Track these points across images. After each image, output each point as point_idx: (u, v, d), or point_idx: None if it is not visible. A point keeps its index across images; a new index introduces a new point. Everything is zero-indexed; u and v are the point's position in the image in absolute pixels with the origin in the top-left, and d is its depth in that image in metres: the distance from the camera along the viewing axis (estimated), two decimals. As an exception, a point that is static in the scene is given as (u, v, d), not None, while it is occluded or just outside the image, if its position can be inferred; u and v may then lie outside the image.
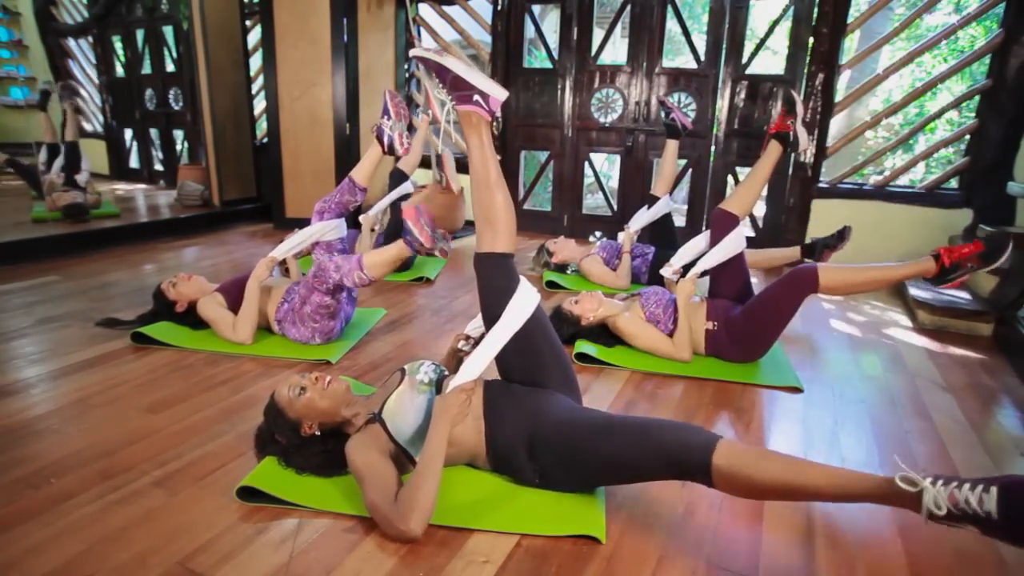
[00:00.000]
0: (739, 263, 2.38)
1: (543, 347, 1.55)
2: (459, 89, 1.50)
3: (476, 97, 1.49)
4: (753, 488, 1.19)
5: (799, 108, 2.40)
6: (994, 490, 1.01)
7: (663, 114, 3.28)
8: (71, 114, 4.65)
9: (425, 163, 4.74)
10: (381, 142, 2.37)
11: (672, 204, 3.33)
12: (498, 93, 1.50)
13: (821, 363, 2.43)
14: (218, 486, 1.47)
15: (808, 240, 3.41)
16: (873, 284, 2.20)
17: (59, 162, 4.42)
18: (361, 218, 3.49)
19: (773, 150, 2.44)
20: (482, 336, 1.74)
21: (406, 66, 5.05)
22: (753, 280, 2.60)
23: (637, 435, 1.29)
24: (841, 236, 3.01)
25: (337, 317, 2.36)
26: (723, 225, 2.38)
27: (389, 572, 1.21)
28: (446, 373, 1.61)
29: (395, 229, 3.53)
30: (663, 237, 3.35)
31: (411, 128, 5.14)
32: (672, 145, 3.26)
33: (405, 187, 3.53)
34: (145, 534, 1.30)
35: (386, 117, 2.38)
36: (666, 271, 2.56)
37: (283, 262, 2.77)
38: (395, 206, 3.56)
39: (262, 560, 1.24)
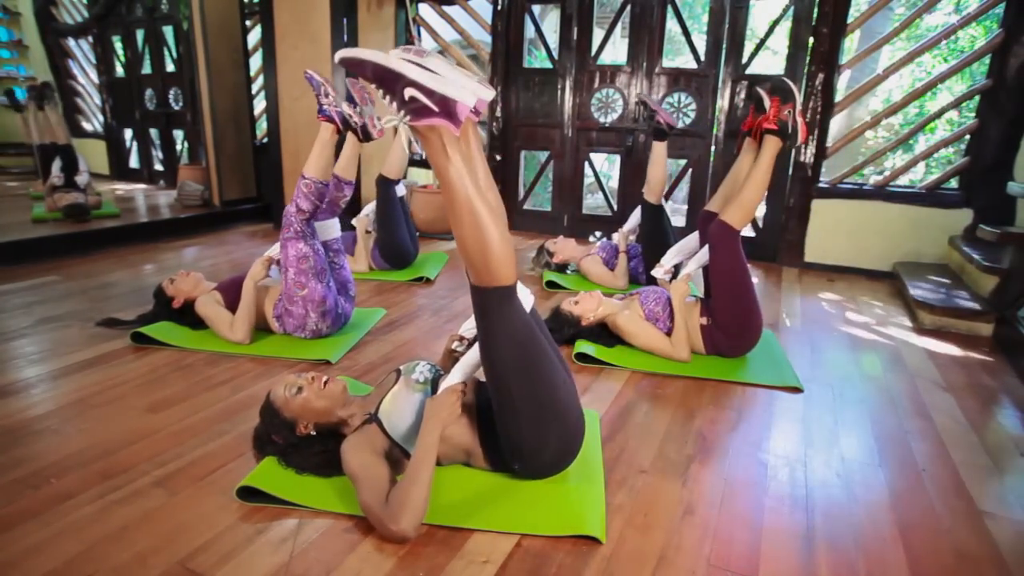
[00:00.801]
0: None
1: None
2: (411, 101, 1.13)
3: (431, 104, 1.12)
4: (481, 254, 1.22)
5: (798, 95, 2.23)
6: None
7: (645, 116, 3.09)
8: (54, 115, 4.62)
9: (425, 163, 4.75)
10: (354, 130, 2.36)
11: (675, 205, 3.32)
12: (467, 98, 1.12)
13: (821, 363, 2.43)
14: (218, 486, 1.47)
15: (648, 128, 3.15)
16: (759, 190, 2.19)
17: (57, 163, 4.43)
18: (354, 221, 3.48)
19: (769, 147, 2.19)
20: (476, 337, 1.74)
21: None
22: (753, 279, 2.59)
23: (499, 346, 1.30)
24: (644, 104, 2.97)
25: (323, 278, 2.31)
26: (722, 238, 2.21)
27: (389, 572, 1.21)
28: (441, 373, 1.61)
29: (386, 230, 3.50)
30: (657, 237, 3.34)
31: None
32: (659, 148, 3.05)
33: (397, 191, 3.51)
34: (145, 534, 1.30)
35: (352, 104, 2.37)
36: (657, 271, 2.56)
37: (279, 262, 2.77)
38: (377, 205, 3.50)
39: (262, 560, 1.24)
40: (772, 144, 2.20)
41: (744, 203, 2.19)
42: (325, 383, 1.49)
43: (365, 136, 2.37)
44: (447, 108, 1.13)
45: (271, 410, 1.49)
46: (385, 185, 3.37)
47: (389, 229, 3.41)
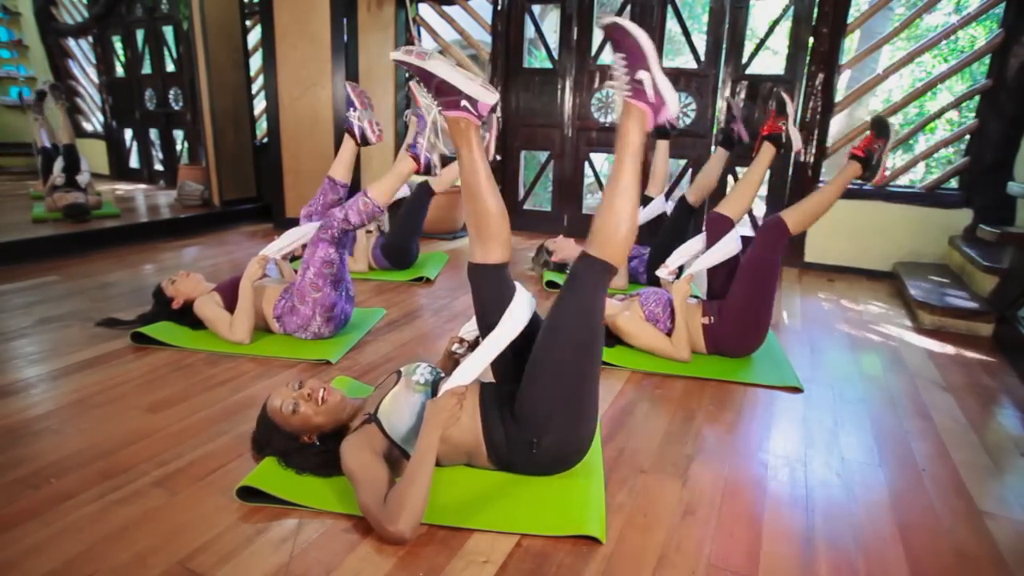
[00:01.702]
0: (736, 264, 2.38)
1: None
2: (445, 94, 1.41)
3: (463, 102, 1.41)
4: (625, 234, 1.43)
5: (790, 109, 2.42)
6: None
7: (725, 119, 3.28)
8: (62, 115, 4.63)
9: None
10: (352, 134, 2.38)
11: (665, 204, 3.33)
12: (487, 97, 1.41)
13: (821, 363, 2.43)
14: (218, 486, 1.47)
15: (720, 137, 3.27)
16: (823, 204, 2.30)
17: (59, 163, 4.43)
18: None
19: (766, 152, 2.46)
20: (477, 339, 1.74)
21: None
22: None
23: (570, 318, 1.39)
24: (730, 110, 3.08)
25: (339, 287, 2.33)
26: (717, 228, 2.39)
27: (389, 572, 1.21)
28: (442, 375, 1.61)
29: (403, 230, 3.53)
30: (659, 237, 3.34)
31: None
32: (662, 145, 3.29)
33: (401, 190, 3.52)
34: (145, 534, 1.30)
35: (352, 108, 2.38)
36: (662, 272, 2.56)
37: (277, 263, 2.78)
38: (393, 210, 3.54)
39: (262, 560, 1.24)
40: (767, 150, 2.46)
41: (738, 197, 2.44)
42: (322, 399, 1.47)
43: (363, 140, 2.38)
44: (472, 103, 1.40)
45: (271, 426, 1.49)
46: (422, 191, 3.48)
47: (407, 231, 3.47)
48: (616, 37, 1.45)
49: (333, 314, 2.35)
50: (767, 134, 2.46)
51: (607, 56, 4.56)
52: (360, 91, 2.41)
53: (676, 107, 1.40)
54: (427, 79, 1.43)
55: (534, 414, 1.42)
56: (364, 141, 2.39)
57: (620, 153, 1.42)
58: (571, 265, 1.48)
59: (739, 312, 2.28)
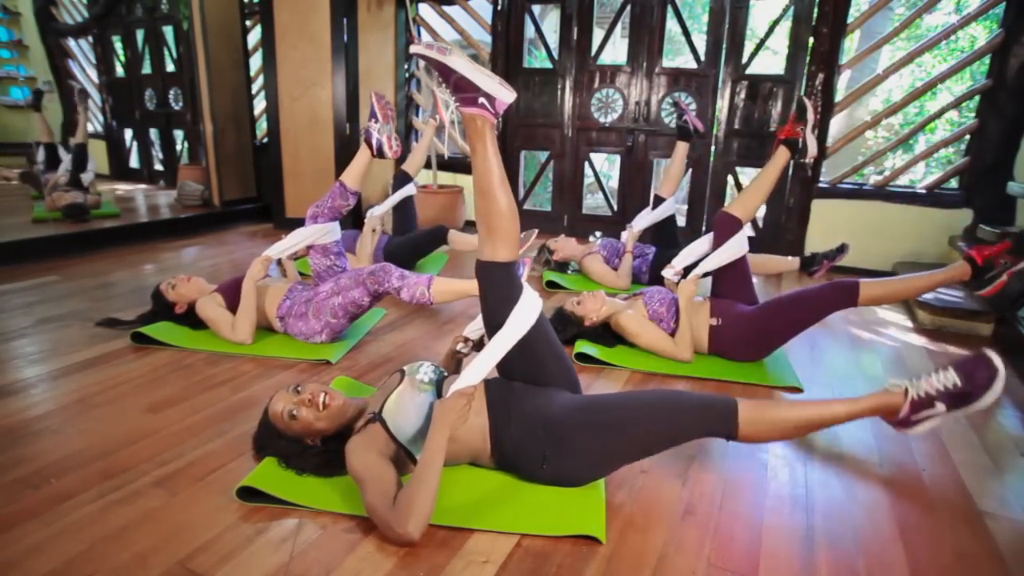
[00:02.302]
0: (742, 266, 2.38)
1: (545, 350, 1.55)
2: (463, 91, 1.39)
3: (481, 99, 1.38)
4: (773, 434, 1.44)
5: (810, 116, 2.38)
6: (951, 368, 1.47)
7: (676, 115, 3.29)
8: (83, 116, 4.69)
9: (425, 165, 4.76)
10: (370, 145, 2.38)
11: (676, 205, 3.33)
12: (505, 95, 1.39)
13: (821, 363, 2.43)
14: (218, 486, 1.47)
15: (808, 253, 3.41)
16: (912, 292, 2.24)
17: (66, 163, 4.44)
18: (365, 219, 3.49)
19: (781, 155, 2.42)
20: (481, 339, 1.74)
21: (406, 66, 5.05)
22: (754, 280, 2.59)
23: (664, 413, 1.42)
24: (840, 251, 3.07)
25: (353, 322, 2.41)
26: (726, 228, 2.38)
27: (389, 572, 1.21)
28: (446, 374, 1.61)
29: (402, 230, 3.54)
30: (665, 238, 3.34)
31: (414, 130, 5.14)
32: (682, 147, 3.26)
33: (408, 189, 3.52)
34: (145, 534, 1.30)
35: (373, 120, 2.38)
36: (668, 272, 2.56)
37: (279, 262, 2.77)
38: (399, 208, 3.56)
39: (262, 560, 1.24)
40: (783, 153, 2.43)
41: (748, 198, 2.42)
42: (323, 405, 1.47)
43: (379, 153, 2.39)
44: (490, 101, 1.39)
45: (274, 431, 1.49)
46: (405, 179, 3.51)
47: (407, 228, 3.53)
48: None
49: (338, 336, 2.40)
50: (784, 138, 2.42)
51: (607, 56, 4.56)
52: (385, 103, 2.40)
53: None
54: (446, 74, 1.41)
55: (569, 443, 1.42)
56: (380, 154, 2.38)
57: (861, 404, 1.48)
58: (716, 397, 1.46)
59: (757, 334, 2.26)
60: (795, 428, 1.45)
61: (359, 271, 2.33)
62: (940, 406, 1.39)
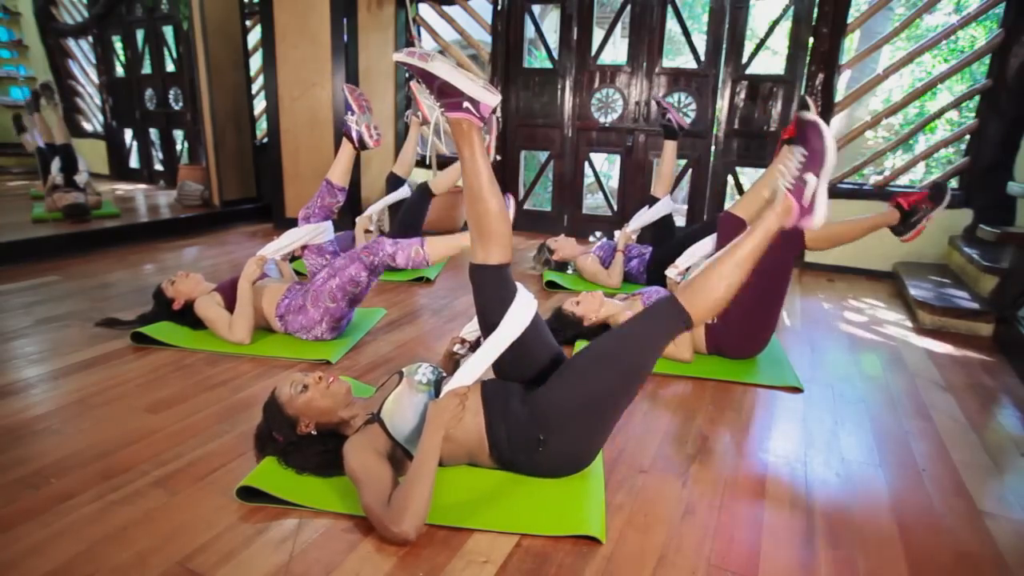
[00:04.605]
0: None
1: (540, 351, 1.55)
2: (447, 96, 1.40)
3: (466, 104, 1.39)
4: (719, 290, 1.44)
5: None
6: (789, 149, 1.56)
7: (659, 114, 3.29)
8: (55, 114, 4.62)
9: (422, 163, 4.76)
10: (351, 138, 2.39)
11: (673, 205, 3.33)
12: (489, 99, 1.40)
13: (821, 363, 2.43)
14: (218, 486, 1.47)
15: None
16: (849, 235, 2.40)
17: (57, 163, 4.42)
18: (357, 219, 3.49)
19: (785, 156, 2.43)
20: (477, 340, 1.74)
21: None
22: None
23: (626, 340, 1.46)
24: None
25: (353, 306, 2.40)
26: (729, 228, 2.36)
27: (389, 572, 1.21)
28: (444, 375, 1.61)
29: (404, 231, 3.54)
30: (663, 238, 3.34)
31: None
32: (670, 146, 3.27)
33: (402, 191, 3.53)
34: (145, 534, 1.30)
35: (350, 112, 2.40)
36: (671, 272, 2.56)
37: (277, 263, 2.78)
38: (400, 212, 3.56)
39: (262, 560, 1.24)
40: (787, 154, 2.40)
41: (752, 199, 2.43)
42: (330, 383, 1.50)
43: (361, 145, 2.39)
44: (475, 105, 1.40)
45: (275, 406, 1.50)
46: (397, 182, 3.58)
47: (407, 232, 3.52)
48: (807, 133, 1.46)
49: (339, 325, 2.39)
50: (787, 138, 2.41)
51: (607, 56, 4.56)
52: (359, 95, 2.41)
53: (821, 221, 1.41)
54: (429, 81, 1.42)
55: (555, 414, 1.42)
56: (362, 146, 2.40)
57: (755, 230, 1.46)
58: (656, 300, 1.55)
59: (744, 315, 2.26)
60: (729, 275, 1.44)
61: (353, 251, 2.34)
62: (809, 177, 1.42)
